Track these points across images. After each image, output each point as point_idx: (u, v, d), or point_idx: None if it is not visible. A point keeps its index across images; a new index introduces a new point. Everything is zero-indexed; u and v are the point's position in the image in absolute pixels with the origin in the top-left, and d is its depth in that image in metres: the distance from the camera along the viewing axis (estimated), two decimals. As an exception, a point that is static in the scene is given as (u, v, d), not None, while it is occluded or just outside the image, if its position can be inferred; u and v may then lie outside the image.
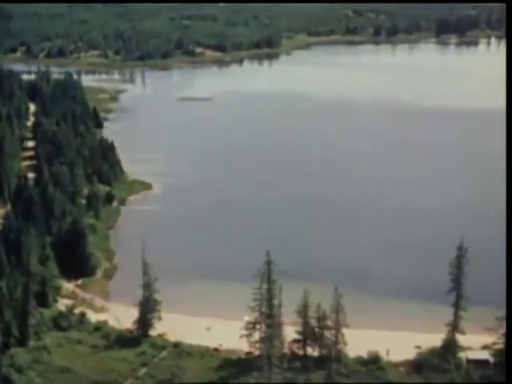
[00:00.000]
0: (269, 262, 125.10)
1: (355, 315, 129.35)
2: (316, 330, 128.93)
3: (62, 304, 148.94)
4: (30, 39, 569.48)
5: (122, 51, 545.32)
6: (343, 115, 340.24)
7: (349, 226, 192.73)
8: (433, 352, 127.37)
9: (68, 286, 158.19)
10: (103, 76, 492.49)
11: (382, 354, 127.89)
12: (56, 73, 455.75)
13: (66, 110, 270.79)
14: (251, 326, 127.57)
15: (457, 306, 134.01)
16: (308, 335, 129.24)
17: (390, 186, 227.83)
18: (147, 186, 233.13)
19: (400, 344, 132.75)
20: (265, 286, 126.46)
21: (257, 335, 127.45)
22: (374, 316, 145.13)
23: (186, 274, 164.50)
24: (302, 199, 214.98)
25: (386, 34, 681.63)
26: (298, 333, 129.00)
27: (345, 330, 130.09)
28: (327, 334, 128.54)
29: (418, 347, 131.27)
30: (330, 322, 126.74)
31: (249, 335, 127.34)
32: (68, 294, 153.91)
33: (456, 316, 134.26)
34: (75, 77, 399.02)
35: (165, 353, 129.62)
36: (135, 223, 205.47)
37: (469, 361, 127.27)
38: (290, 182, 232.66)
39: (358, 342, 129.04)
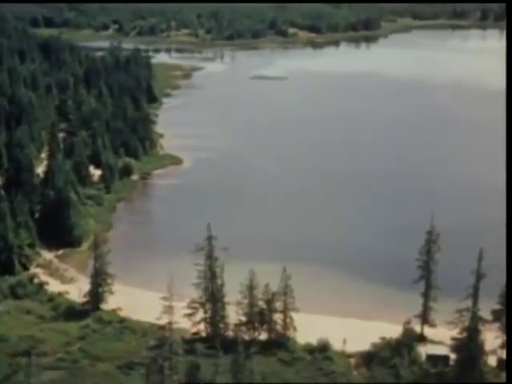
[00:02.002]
0: (209, 238, 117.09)
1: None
2: (265, 312, 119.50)
3: (35, 273, 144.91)
4: (123, 17, 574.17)
5: (213, 30, 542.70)
6: (423, 97, 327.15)
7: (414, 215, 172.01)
8: (388, 344, 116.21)
9: (48, 255, 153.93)
10: (189, 54, 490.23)
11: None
12: (143, 50, 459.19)
13: (114, 84, 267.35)
14: (194, 305, 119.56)
15: (426, 296, 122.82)
16: (255, 318, 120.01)
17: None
18: (178, 161, 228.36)
19: (366, 334, 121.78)
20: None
21: (200, 315, 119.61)
22: (355, 303, 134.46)
23: (182, 249, 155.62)
24: (346, 179, 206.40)
25: (494, 19, 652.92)
26: (245, 315, 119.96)
27: (310, 316, 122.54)
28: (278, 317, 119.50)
29: (383, 339, 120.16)
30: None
31: (191, 315, 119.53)
32: (43, 263, 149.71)
33: (425, 307, 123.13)
34: (152, 54, 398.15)
35: (108, 328, 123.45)
36: (151, 197, 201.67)
37: (429, 356, 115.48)
38: (338, 161, 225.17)
39: (321, 329, 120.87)
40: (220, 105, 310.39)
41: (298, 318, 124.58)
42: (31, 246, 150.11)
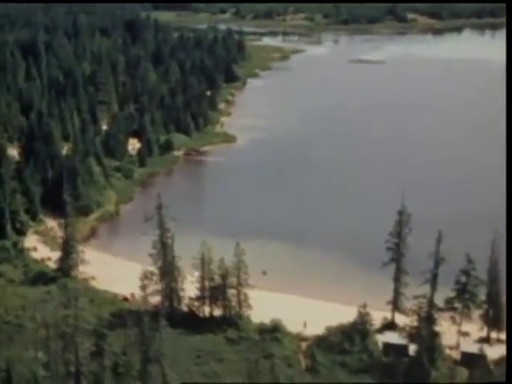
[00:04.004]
0: (159, 207, 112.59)
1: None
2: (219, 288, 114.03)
3: (31, 239, 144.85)
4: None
5: (330, 15, 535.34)
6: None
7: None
8: (342, 330, 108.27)
9: (51, 223, 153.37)
10: (299, 38, 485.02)
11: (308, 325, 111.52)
12: (259, 34, 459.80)
13: (187, 62, 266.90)
14: (148, 277, 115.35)
15: (397, 280, 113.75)
16: (209, 293, 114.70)
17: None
18: (231, 139, 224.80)
19: (336, 318, 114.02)
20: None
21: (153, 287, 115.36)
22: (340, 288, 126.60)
23: (189, 226, 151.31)
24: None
25: None
26: (198, 289, 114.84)
27: (284, 295, 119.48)
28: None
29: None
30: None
31: (144, 286, 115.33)
32: (42, 230, 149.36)
33: (396, 293, 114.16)
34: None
35: (67, 296, 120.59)
36: (188, 172, 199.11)
37: (385, 345, 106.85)
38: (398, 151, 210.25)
39: (290, 310, 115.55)
40: (302, 87, 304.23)
41: (273, 297, 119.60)
42: (30, 212, 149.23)
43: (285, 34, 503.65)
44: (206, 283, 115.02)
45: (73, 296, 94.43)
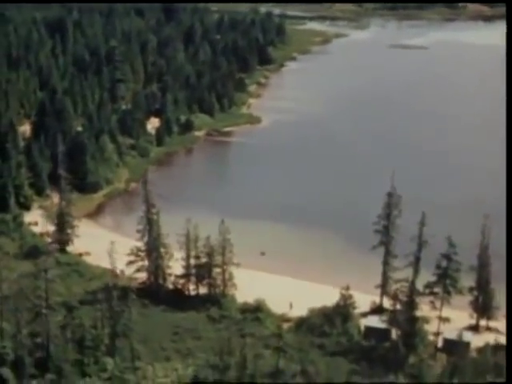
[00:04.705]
0: (144, 182, 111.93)
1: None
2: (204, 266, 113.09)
3: (34, 213, 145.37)
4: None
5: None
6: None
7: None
8: (323, 312, 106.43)
9: (58, 199, 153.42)
10: (345, 23, 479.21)
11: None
12: (307, 18, 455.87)
13: (219, 44, 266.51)
14: (135, 253, 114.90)
15: (385, 264, 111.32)
16: (193, 271, 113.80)
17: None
18: (255, 121, 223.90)
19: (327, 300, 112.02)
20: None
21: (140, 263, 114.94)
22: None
23: (191, 204, 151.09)
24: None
25: None
26: (184, 267, 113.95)
27: (275, 277, 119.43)
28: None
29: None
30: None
31: (131, 262, 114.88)
32: (47, 205, 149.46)
33: (384, 276, 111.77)
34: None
35: (57, 270, 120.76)
36: (206, 152, 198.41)
37: (367, 328, 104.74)
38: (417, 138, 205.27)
39: (279, 291, 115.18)
40: (335, 71, 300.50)
41: (262, 277, 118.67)
42: (37, 187, 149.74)
43: (333, 19, 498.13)
44: (193, 261, 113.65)
45: (42, 268, 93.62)
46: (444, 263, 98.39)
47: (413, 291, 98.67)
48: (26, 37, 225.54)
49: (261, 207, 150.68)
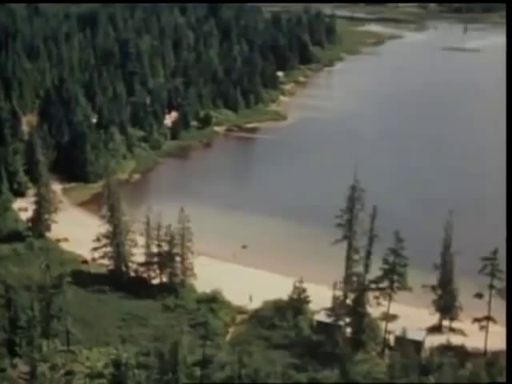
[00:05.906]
0: (106, 168, 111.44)
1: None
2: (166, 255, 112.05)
3: (27, 200, 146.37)
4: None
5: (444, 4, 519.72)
6: None
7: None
8: (276, 305, 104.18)
9: (56, 187, 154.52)
10: (406, 25, 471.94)
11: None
12: (368, 20, 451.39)
13: (257, 42, 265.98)
14: (100, 239, 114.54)
15: (348, 258, 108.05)
16: (154, 259, 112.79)
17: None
18: (280, 117, 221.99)
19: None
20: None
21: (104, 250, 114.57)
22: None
23: (193, 198, 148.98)
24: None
25: None
26: (145, 255, 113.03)
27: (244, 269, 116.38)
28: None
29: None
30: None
31: (95, 249, 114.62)
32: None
33: (347, 271, 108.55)
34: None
35: (30, 254, 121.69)
36: (221, 147, 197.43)
37: (319, 323, 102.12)
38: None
39: (244, 283, 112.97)
40: (381, 72, 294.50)
41: (235, 270, 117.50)
42: (31, 174, 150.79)
43: (396, 21, 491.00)
44: (155, 250, 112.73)
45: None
46: (391, 258, 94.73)
47: (362, 286, 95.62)
48: (54, 29, 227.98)
49: (260, 201, 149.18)
